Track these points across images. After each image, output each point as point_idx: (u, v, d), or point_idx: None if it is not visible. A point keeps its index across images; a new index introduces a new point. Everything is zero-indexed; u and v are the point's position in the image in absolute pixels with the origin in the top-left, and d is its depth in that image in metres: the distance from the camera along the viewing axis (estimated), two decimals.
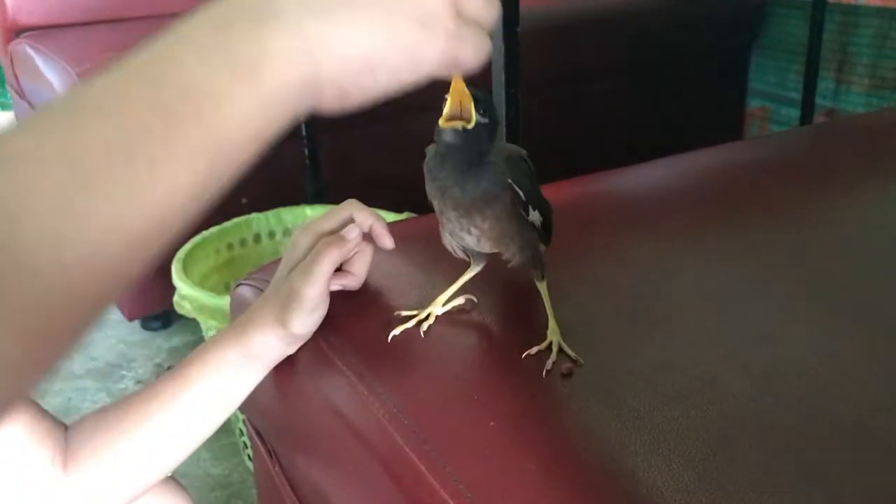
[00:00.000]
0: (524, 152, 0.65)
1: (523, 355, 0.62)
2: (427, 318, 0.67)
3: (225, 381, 0.67)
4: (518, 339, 0.64)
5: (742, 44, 2.35)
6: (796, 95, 2.13)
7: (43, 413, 0.64)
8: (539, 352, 0.62)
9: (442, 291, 0.69)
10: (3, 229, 0.29)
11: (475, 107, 0.58)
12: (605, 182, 1.01)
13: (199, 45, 0.37)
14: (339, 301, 0.72)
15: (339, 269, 0.69)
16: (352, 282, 0.70)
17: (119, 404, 0.66)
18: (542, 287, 0.67)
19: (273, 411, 0.78)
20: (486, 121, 0.59)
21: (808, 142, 1.18)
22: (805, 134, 1.37)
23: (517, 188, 0.61)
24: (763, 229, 0.85)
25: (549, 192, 0.94)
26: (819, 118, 2.15)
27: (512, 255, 0.66)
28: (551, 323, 0.64)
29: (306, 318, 0.65)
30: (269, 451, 0.82)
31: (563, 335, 0.63)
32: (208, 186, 0.37)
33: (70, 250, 0.31)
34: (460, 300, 0.69)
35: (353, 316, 0.70)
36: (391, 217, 1.43)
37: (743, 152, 1.13)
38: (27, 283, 0.30)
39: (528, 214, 0.63)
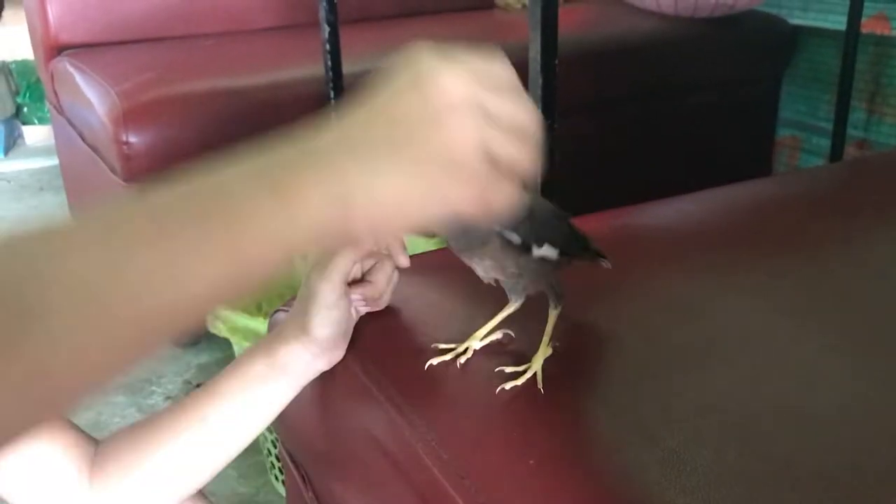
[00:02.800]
0: None
1: (496, 369, 0.65)
2: (465, 351, 0.68)
3: (253, 394, 0.67)
4: (555, 376, 0.65)
5: (773, 72, 2.34)
6: (827, 125, 2.12)
7: (68, 424, 0.65)
8: (515, 373, 0.64)
9: (480, 324, 0.69)
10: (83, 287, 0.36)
11: None
12: (636, 216, 1.01)
13: (247, 172, 0.41)
14: (378, 332, 0.73)
15: (360, 281, 0.70)
16: (370, 290, 0.70)
17: (149, 419, 0.67)
18: (553, 315, 0.67)
19: (309, 437, 0.79)
20: None
21: (845, 178, 1.18)
22: (841, 169, 1.37)
23: (506, 235, 0.61)
24: (802, 267, 0.85)
25: (580, 224, 0.95)
26: (850, 149, 2.14)
27: (524, 287, 0.67)
28: (541, 350, 0.65)
29: (324, 317, 0.66)
30: (302, 476, 0.83)
31: (598, 372, 0.64)
32: (226, 290, 0.40)
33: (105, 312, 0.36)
34: (498, 335, 0.70)
35: (391, 347, 0.71)
36: (422, 243, 1.44)
37: (779, 187, 1.13)
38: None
39: (529, 252, 0.63)
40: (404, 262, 0.71)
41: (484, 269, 0.65)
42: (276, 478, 1.37)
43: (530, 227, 0.62)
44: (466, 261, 0.65)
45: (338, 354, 0.69)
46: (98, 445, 0.67)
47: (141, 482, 0.65)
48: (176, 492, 0.67)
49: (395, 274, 0.73)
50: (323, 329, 0.67)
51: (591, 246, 0.70)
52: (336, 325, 0.67)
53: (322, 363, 0.69)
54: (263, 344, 0.69)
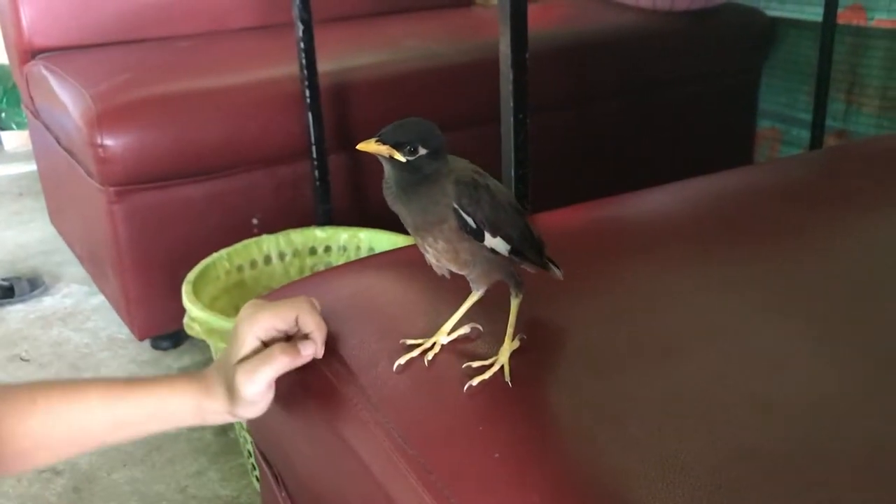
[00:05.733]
0: (475, 175, 0.64)
1: (463, 365, 0.65)
2: (432, 347, 0.67)
3: (167, 426, 0.70)
4: (523, 370, 0.64)
5: (753, 64, 2.35)
6: (807, 117, 2.13)
7: None
8: (482, 367, 0.64)
9: (447, 318, 0.69)
10: None
11: (400, 150, 0.61)
12: (613, 208, 1.01)
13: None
14: (345, 330, 0.72)
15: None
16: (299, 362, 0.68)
17: (80, 390, 0.67)
18: (514, 304, 0.67)
19: (280, 438, 0.78)
20: (421, 153, 0.61)
21: (819, 167, 1.18)
22: (816, 159, 1.37)
23: (464, 214, 0.62)
24: (772, 257, 0.85)
25: (555, 218, 0.95)
26: (830, 140, 2.15)
27: (476, 277, 0.66)
28: (506, 343, 0.65)
29: (250, 408, 0.67)
30: (275, 476, 0.82)
31: (566, 364, 0.64)
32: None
33: None
34: (466, 329, 0.69)
35: (359, 345, 0.71)
36: (401, 240, 1.44)
37: (753, 177, 1.13)
38: None
39: (481, 240, 0.63)
40: (310, 353, 0.68)
41: (436, 253, 0.64)
42: (258, 479, 1.36)
43: (489, 213, 0.62)
44: (419, 242, 0.65)
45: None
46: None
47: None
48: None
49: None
50: (249, 415, 0.68)
51: (545, 253, 0.69)
52: (258, 409, 0.68)
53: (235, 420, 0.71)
54: (192, 390, 0.68)
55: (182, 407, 0.68)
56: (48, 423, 0.65)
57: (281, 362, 0.66)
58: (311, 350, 0.67)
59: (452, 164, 0.63)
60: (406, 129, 0.61)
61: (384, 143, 0.61)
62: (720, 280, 0.80)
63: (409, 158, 0.61)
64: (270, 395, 0.68)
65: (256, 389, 0.65)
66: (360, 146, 0.61)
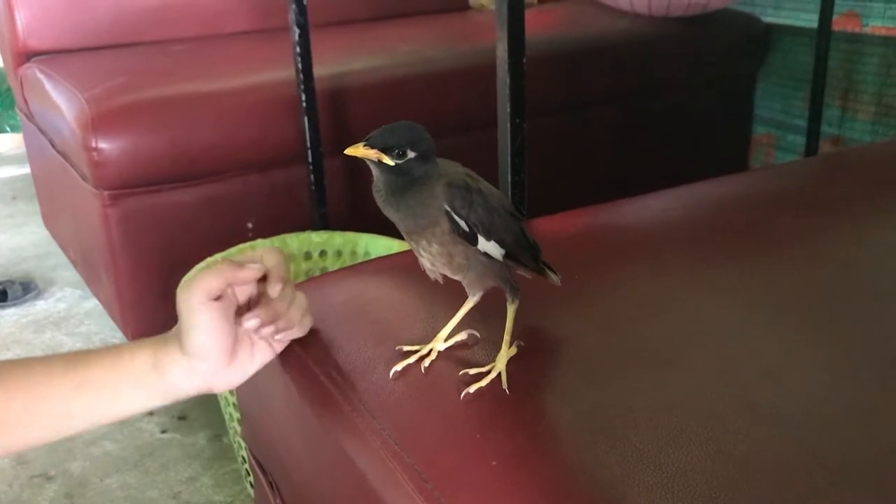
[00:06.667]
0: (466, 178, 0.63)
1: (460, 373, 0.64)
2: (429, 353, 0.67)
3: (120, 392, 0.64)
4: (520, 377, 0.64)
5: (748, 71, 2.35)
6: (802, 123, 2.13)
7: None
8: (479, 374, 0.64)
9: (444, 325, 0.69)
10: None
11: (389, 153, 0.60)
12: (608, 213, 1.01)
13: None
14: (341, 336, 0.72)
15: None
16: (266, 313, 0.64)
17: (22, 367, 0.65)
18: (511, 310, 0.66)
19: (275, 445, 0.78)
20: (410, 157, 0.60)
21: (815, 173, 1.18)
22: (812, 165, 1.37)
23: (456, 216, 0.61)
24: (768, 264, 0.85)
25: (551, 223, 0.95)
26: (825, 146, 2.15)
27: (471, 281, 0.66)
28: (503, 350, 0.65)
29: (190, 338, 0.62)
30: (270, 483, 0.82)
31: (564, 371, 0.63)
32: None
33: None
34: (462, 335, 0.69)
35: (355, 351, 0.70)
36: (397, 244, 1.44)
37: (749, 184, 1.13)
38: None
39: (475, 244, 0.62)
40: (272, 292, 0.65)
41: (431, 257, 0.64)
42: (251, 485, 1.36)
43: (482, 216, 0.62)
44: (413, 246, 0.64)
45: (220, 382, 0.65)
46: None
47: None
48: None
49: (302, 297, 0.68)
50: (192, 348, 0.63)
51: (541, 258, 0.69)
52: (203, 349, 0.63)
53: (200, 381, 0.65)
54: (150, 343, 0.65)
55: (138, 356, 0.64)
56: (9, 395, 0.62)
57: (216, 270, 0.61)
58: (253, 271, 0.63)
59: (443, 167, 0.63)
60: (394, 133, 0.61)
61: (372, 147, 0.60)
62: (717, 286, 0.80)
63: (398, 162, 0.60)
64: (216, 330, 0.62)
65: (196, 299, 0.61)
66: (348, 150, 0.60)
